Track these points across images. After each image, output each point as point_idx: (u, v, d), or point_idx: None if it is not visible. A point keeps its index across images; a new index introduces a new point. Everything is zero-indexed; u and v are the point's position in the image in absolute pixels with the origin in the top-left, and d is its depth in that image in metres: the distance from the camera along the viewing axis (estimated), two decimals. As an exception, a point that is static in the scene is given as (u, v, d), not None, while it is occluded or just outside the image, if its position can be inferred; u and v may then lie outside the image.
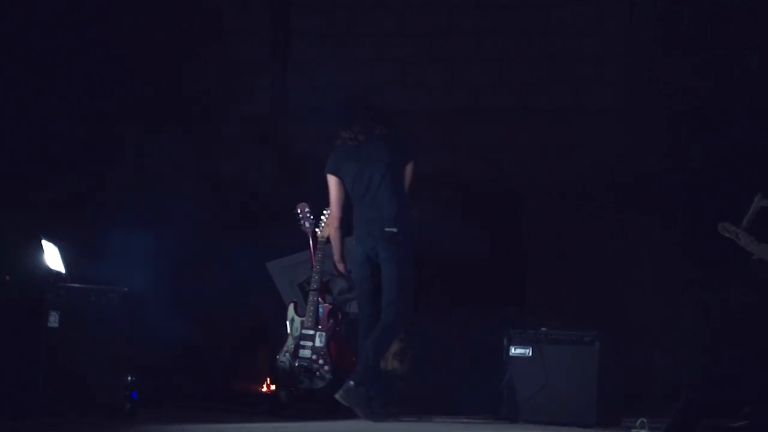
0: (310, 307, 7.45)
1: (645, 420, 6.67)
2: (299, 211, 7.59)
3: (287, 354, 7.45)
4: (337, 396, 6.96)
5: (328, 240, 7.50)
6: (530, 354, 7.15)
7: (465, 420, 7.19)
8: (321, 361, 7.37)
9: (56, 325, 6.76)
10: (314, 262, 7.48)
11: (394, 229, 7.11)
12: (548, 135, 8.75)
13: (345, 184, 7.22)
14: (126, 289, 7.01)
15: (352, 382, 6.92)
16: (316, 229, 7.54)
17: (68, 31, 8.27)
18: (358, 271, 7.25)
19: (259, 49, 9.08)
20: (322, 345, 7.41)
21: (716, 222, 6.85)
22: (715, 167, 8.35)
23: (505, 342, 7.21)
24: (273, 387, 7.87)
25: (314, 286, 7.48)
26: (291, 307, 7.57)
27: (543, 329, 7.19)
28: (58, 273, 7.01)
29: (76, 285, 6.96)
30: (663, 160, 8.55)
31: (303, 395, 7.39)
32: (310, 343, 7.42)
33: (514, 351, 7.19)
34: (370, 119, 7.22)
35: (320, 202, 7.59)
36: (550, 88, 8.83)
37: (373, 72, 8.94)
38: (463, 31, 8.89)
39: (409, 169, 7.22)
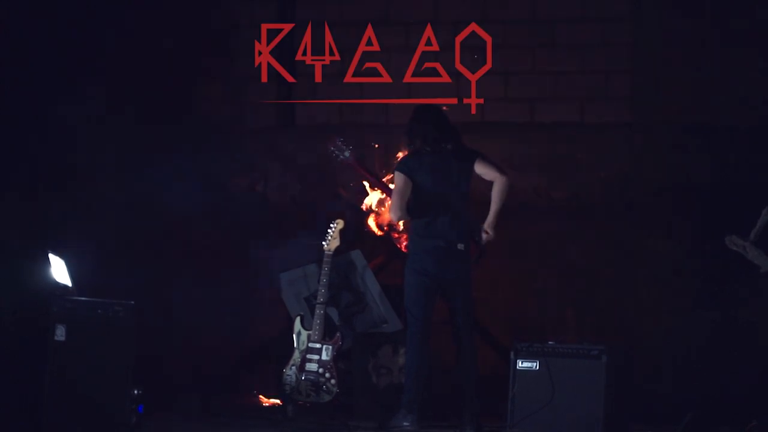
0: (317, 321, 7.45)
1: (652, 434, 6.66)
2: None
3: (293, 367, 7.44)
4: None
5: (334, 253, 7.51)
6: (537, 368, 7.12)
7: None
8: (327, 375, 7.37)
9: (63, 338, 6.75)
10: (321, 275, 7.49)
11: (462, 247, 7.08)
12: (554, 150, 8.75)
13: (414, 190, 7.10)
14: (132, 302, 7.01)
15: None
16: (323, 242, 7.55)
17: (76, 48, 8.29)
18: (419, 281, 7.11)
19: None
20: (328, 358, 7.40)
21: (723, 237, 6.86)
22: (720, 182, 8.35)
23: (512, 355, 7.19)
24: (279, 401, 7.86)
25: (321, 299, 7.48)
26: (297, 321, 7.57)
27: (550, 343, 7.17)
28: (65, 286, 7.00)
29: (83, 298, 6.95)
30: (668, 175, 8.55)
31: (309, 409, 7.38)
32: (316, 357, 7.42)
33: (521, 365, 7.16)
34: (439, 133, 7.17)
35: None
36: (555, 103, 8.84)
37: (377, 87, 8.95)
38: (469, 46, 8.91)
39: (480, 163, 7.17)
